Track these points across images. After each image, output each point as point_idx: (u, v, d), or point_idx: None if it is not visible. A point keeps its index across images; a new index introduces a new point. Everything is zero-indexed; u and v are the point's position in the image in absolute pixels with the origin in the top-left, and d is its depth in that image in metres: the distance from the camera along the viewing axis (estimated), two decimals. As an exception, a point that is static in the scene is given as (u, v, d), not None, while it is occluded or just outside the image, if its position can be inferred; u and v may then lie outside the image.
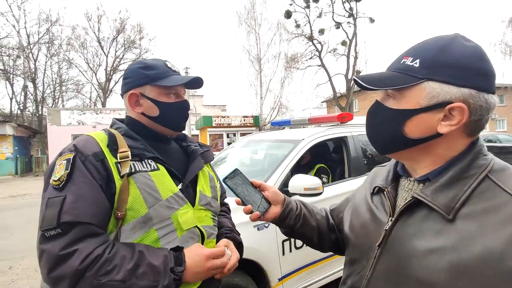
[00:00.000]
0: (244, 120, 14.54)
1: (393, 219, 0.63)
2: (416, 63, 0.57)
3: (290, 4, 17.65)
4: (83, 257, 0.71)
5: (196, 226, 0.92)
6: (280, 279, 2.10)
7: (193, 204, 0.94)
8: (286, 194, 2.09)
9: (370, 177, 0.82)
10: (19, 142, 19.21)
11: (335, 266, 2.46)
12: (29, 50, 23.87)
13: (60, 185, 0.77)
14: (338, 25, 17.59)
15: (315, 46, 18.06)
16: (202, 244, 0.94)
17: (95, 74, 26.93)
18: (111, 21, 32.18)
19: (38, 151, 25.17)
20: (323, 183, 2.54)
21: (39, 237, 0.75)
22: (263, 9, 27.35)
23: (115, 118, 1.01)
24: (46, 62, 25.27)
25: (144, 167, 0.87)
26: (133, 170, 0.84)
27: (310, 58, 18.66)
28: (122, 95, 0.99)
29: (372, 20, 17.29)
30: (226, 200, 1.24)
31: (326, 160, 3.06)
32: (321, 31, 17.80)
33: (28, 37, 23.71)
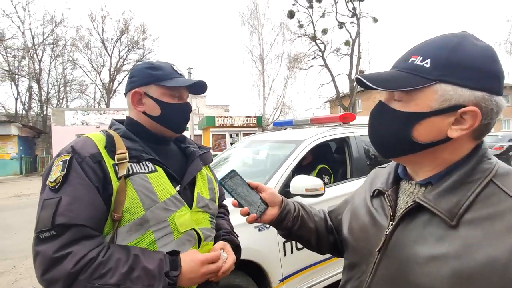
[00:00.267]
0: (247, 120, 14.51)
1: (393, 223, 0.61)
2: (426, 63, 0.54)
3: (293, 4, 17.65)
4: (76, 260, 0.71)
5: (193, 229, 0.92)
6: (281, 280, 2.09)
7: (190, 206, 0.93)
8: (287, 195, 2.11)
9: (370, 179, 0.80)
10: (24, 142, 19.36)
11: (337, 268, 2.44)
12: (34, 51, 24.08)
13: (56, 187, 0.77)
14: (341, 25, 17.53)
15: (318, 46, 18.04)
16: (199, 246, 0.93)
17: (99, 75, 27.12)
18: (115, 22, 32.47)
19: (43, 151, 25.38)
20: (325, 184, 2.52)
21: (34, 238, 0.75)
22: (266, 9, 27.31)
23: (114, 119, 1.00)
24: (50, 63, 25.52)
25: (141, 169, 0.86)
26: (130, 172, 0.84)
27: (313, 58, 18.65)
28: (126, 93, 0.99)
29: (375, 20, 17.23)
30: (224, 202, 1.23)
31: (328, 160, 3.04)
32: (324, 31, 17.76)
33: (33, 38, 23.92)
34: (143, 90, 0.95)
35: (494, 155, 0.59)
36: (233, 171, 0.80)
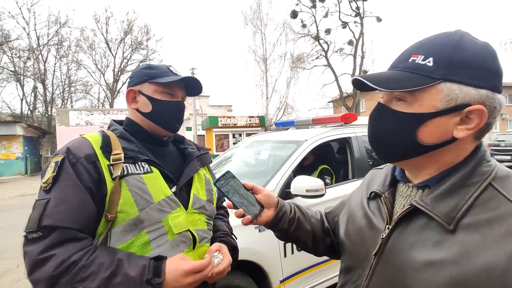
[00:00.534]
0: (250, 120, 14.51)
1: (390, 227, 0.59)
2: (429, 62, 0.53)
3: (296, 4, 17.62)
4: (58, 263, 0.71)
5: (188, 230, 0.91)
6: (281, 281, 2.08)
7: (186, 208, 0.93)
8: (288, 196, 2.10)
9: (367, 180, 0.79)
10: (29, 142, 19.54)
11: (338, 269, 2.42)
12: (39, 52, 24.31)
13: (47, 188, 0.78)
14: (344, 24, 17.46)
15: (321, 46, 17.98)
16: (194, 247, 0.93)
17: (103, 75, 27.28)
18: (118, 23, 32.33)
19: (48, 151, 25.62)
20: (326, 184, 2.51)
21: (23, 238, 0.76)
22: (269, 9, 27.23)
23: (113, 120, 1.01)
24: (55, 64, 25.79)
25: (137, 170, 0.86)
26: (125, 173, 0.84)
27: (316, 58, 18.60)
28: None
29: (379, 19, 17.13)
30: (224, 204, 1.22)
31: (330, 161, 3.02)
32: (328, 31, 17.70)
33: (38, 39, 24.16)
34: (137, 88, 0.97)
35: None
36: (228, 172, 0.79)
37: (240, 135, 14.16)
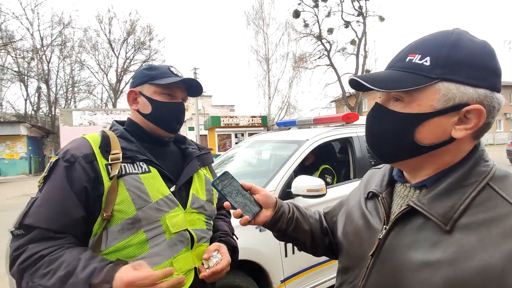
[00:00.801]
0: (252, 120, 14.50)
1: (387, 227, 0.59)
2: (426, 61, 0.52)
3: (299, 4, 17.58)
4: (25, 257, 0.72)
5: (187, 230, 0.92)
6: (282, 281, 2.08)
7: (185, 207, 0.93)
8: (289, 196, 2.10)
9: (365, 180, 0.79)
10: (32, 142, 19.69)
11: (340, 269, 2.42)
12: (43, 52, 24.41)
13: (39, 187, 0.81)
14: (347, 24, 17.41)
15: (323, 45, 17.94)
16: (192, 247, 0.93)
17: (106, 75, 27.34)
18: (121, 23, 32.22)
19: (51, 151, 25.75)
20: (328, 184, 2.50)
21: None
22: (271, 9, 27.37)
23: (115, 120, 1.03)
24: (59, 64, 25.88)
25: (135, 169, 0.87)
26: (123, 172, 0.85)
27: (318, 58, 18.55)
28: None
29: (382, 19, 17.05)
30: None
31: (331, 161, 3.02)
32: (330, 31, 17.65)
33: (42, 39, 24.23)
34: (138, 89, 0.98)
35: None
36: (226, 172, 0.79)
37: (242, 135, 14.15)
